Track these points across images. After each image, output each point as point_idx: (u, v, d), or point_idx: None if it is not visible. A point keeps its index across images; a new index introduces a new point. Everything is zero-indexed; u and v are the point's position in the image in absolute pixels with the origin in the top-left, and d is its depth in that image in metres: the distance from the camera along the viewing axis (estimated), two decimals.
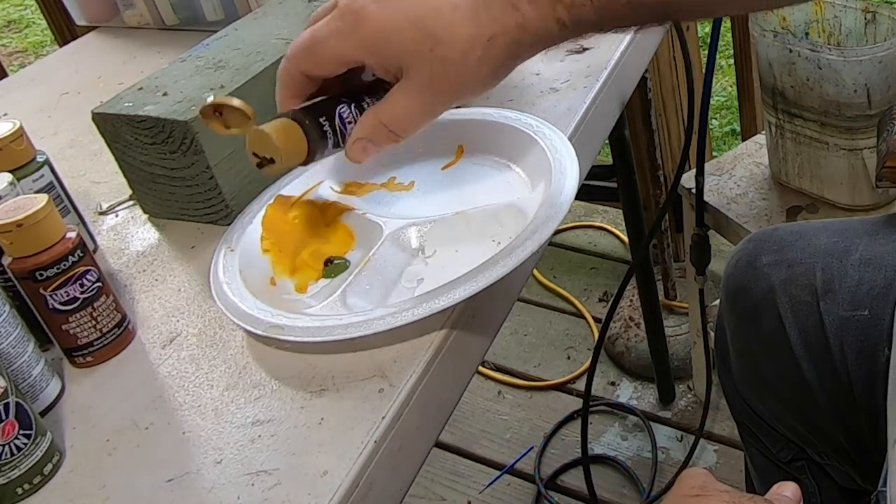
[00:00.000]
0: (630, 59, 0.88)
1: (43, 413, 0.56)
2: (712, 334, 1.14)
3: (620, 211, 1.42)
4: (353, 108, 0.57)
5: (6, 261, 0.55)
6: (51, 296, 0.55)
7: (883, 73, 1.02)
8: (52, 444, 0.52)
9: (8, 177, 0.60)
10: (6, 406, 0.48)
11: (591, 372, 1.26)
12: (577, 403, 1.57)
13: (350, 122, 0.56)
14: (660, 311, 1.45)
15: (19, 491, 0.50)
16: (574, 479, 1.45)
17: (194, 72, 0.73)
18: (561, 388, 1.62)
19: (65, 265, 0.55)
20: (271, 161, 0.54)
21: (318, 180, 0.70)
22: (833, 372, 0.75)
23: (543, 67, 0.85)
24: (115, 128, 0.70)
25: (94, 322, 0.58)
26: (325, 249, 0.64)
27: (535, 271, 1.84)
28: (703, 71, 1.13)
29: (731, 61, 1.77)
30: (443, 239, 0.63)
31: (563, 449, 1.50)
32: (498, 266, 0.54)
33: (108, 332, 0.59)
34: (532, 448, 1.51)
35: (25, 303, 0.56)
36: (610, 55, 0.85)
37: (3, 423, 0.48)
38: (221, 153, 0.68)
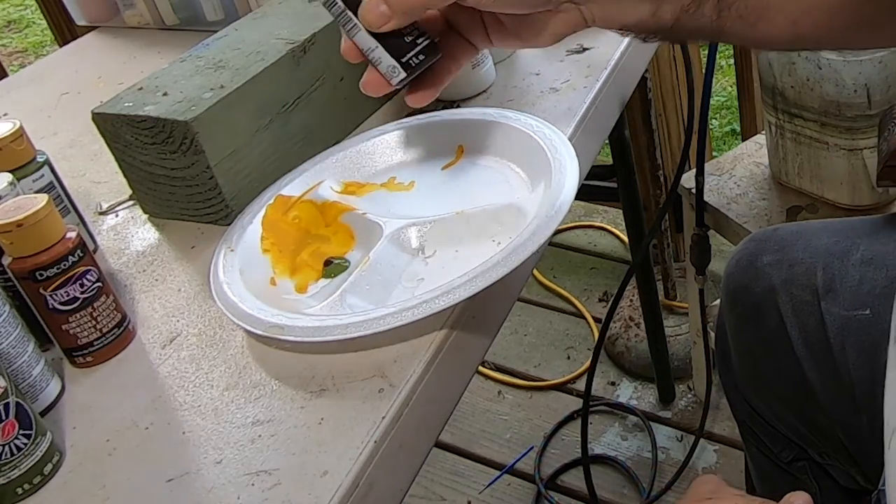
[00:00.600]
0: (630, 59, 0.88)
1: (43, 413, 0.56)
2: (712, 334, 1.15)
3: (620, 211, 1.42)
4: None
5: (6, 261, 0.55)
6: (51, 296, 0.55)
7: (883, 73, 1.02)
8: (52, 444, 0.52)
9: (8, 177, 0.61)
10: (6, 406, 0.48)
11: (591, 372, 1.26)
12: (577, 403, 1.57)
13: None
14: (660, 311, 1.45)
15: (19, 491, 0.50)
16: (574, 479, 1.45)
17: (194, 72, 0.73)
18: (561, 388, 1.62)
19: (65, 265, 0.55)
20: None
21: (318, 180, 0.70)
22: (834, 372, 0.75)
23: (543, 67, 0.85)
24: (115, 128, 0.70)
25: (94, 322, 0.58)
26: (325, 249, 0.64)
27: (535, 271, 1.84)
28: (703, 71, 1.13)
29: (731, 61, 1.77)
30: (443, 239, 0.63)
31: (563, 449, 1.50)
32: (498, 266, 0.54)
33: (108, 332, 0.59)
34: (532, 448, 1.51)
35: (25, 303, 0.56)
36: (610, 55, 0.85)
37: (3, 423, 0.48)
38: (221, 153, 0.68)
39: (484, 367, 1.67)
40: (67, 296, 0.56)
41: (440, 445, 1.53)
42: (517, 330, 1.75)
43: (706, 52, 1.14)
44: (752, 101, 1.60)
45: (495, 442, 1.54)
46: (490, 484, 1.47)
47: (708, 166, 1.28)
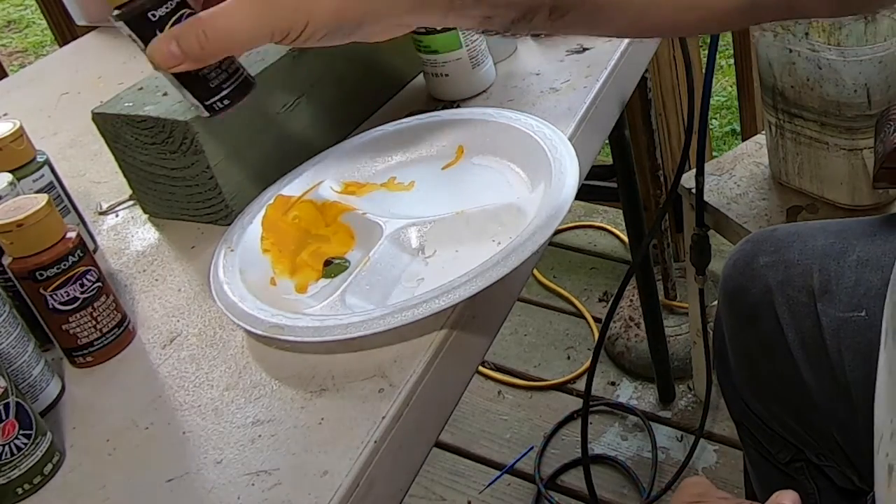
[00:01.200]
0: (630, 59, 0.88)
1: (43, 413, 0.56)
2: (712, 334, 1.14)
3: (620, 211, 1.42)
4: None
5: (6, 261, 0.55)
6: (51, 296, 0.55)
7: (883, 73, 1.02)
8: (52, 444, 0.52)
9: (8, 177, 0.61)
10: (6, 406, 0.48)
11: (591, 372, 1.26)
12: (577, 403, 1.57)
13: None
14: (660, 311, 1.45)
15: (19, 491, 0.50)
16: (574, 479, 1.45)
17: None
18: (561, 388, 1.62)
19: (65, 265, 0.55)
20: None
21: (318, 180, 0.70)
22: (830, 373, 0.75)
23: (543, 67, 0.85)
24: (115, 128, 0.70)
25: (94, 322, 0.58)
26: (325, 249, 0.64)
27: (535, 271, 1.84)
28: (703, 71, 1.13)
29: (731, 61, 1.77)
30: (443, 239, 0.63)
31: (563, 449, 1.50)
32: (498, 266, 0.54)
33: (108, 332, 0.59)
34: (532, 448, 1.51)
35: (25, 303, 0.56)
36: (610, 55, 0.85)
37: (3, 423, 0.48)
38: (221, 153, 0.68)
39: (484, 367, 1.67)
40: (67, 296, 0.56)
41: (440, 445, 1.53)
42: (517, 330, 1.75)
43: (706, 52, 1.14)
44: (752, 101, 1.60)
45: (495, 442, 1.54)
46: (490, 484, 1.47)
47: (708, 166, 1.28)
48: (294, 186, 0.69)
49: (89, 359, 0.59)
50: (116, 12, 0.51)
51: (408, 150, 0.73)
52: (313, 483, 0.47)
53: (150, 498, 0.49)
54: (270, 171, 0.71)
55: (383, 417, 0.50)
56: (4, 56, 3.64)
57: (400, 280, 0.60)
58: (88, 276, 0.57)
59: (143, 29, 0.50)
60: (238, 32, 0.46)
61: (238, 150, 0.69)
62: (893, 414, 0.52)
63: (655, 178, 1.56)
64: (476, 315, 0.59)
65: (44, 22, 2.72)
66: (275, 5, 0.45)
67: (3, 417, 0.48)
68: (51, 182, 0.67)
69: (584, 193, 1.39)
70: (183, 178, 0.69)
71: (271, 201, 0.67)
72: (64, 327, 0.57)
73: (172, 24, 0.50)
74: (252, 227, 0.66)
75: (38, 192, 0.64)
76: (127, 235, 0.74)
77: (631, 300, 1.66)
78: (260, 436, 0.51)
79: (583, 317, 1.75)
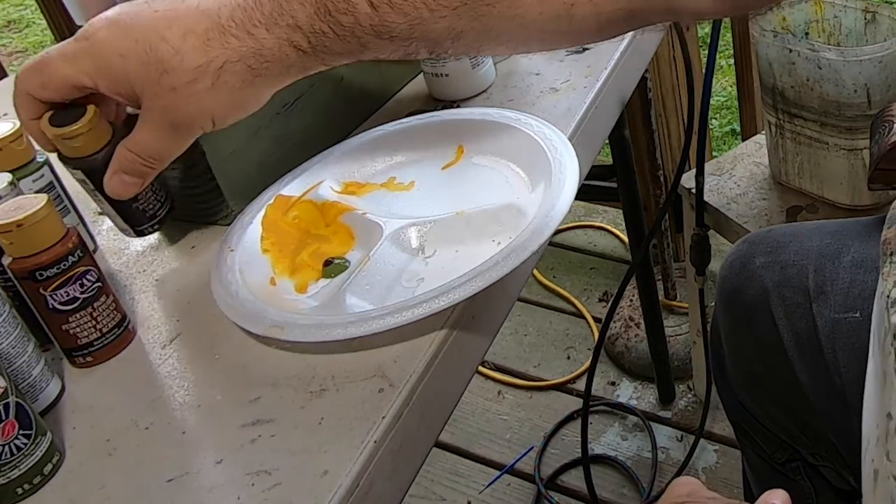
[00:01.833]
0: (630, 59, 0.88)
1: (43, 413, 0.56)
2: (709, 335, 1.14)
3: (620, 211, 1.42)
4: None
5: (6, 261, 0.55)
6: (51, 296, 0.55)
7: (883, 73, 1.02)
8: (52, 444, 0.52)
9: (8, 177, 0.60)
10: (6, 406, 0.48)
11: (591, 372, 1.26)
12: (577, 403, 1.57)
13: None
14: (660, 311, 1.45)
15: (19, 491, 0.50)
16: (574, 479, 1.45)
17: None
18: (561, 388, 1.62)
19: (65, 265, 0.55)
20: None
21: (318, 180, 0.70)
22: (825, 374, 0.75)
23: (543, 67, 0.85)
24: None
25: (94, 322, 0.58)
26: (325, 249, 0.64)
27: (535, 271, 1.84)
28: (703, 71, 1.13)
29: (731, 61, 1.77)
30: (443, 239, 0.63)
31: (563, 449, 1.50)
32: (498, 266, 0.54)
33: (108, 332, 0.59)
34: (532, 448, 1.51)
35: (25, 303, 0.56)
36: (610, 55, 0.85)
37: (3, 423, 0.48)
38: (221, 153, 0.68)
39: (484, 367, 1.67)
40: (67, 296, 0.56)
41: (440, 445, 1.53)
42: (517, 330, 1.75)
43: (706, 52, 1.14)
44: (752, 101, 1.60)
45: (495, 442, 1.54)
46: (490, 484, 1.47)
47: (708, 166, 1.28)
48: (294, 186, 0.69)
49: (89, 359, 0.59)
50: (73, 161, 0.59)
51: (408, 150, 0.73)
52: (313, 483, 0.47)
53: (150, 498, 0.49)
54: (270, 171, 0.71)
55: (383, 417, 0.50)
56: (4, 56, 3.64)
57: (400, 280, 0.60)
58: (88, 277, 0.57)
59: (97, 174, 0.59)
60: (159, 145, 0.55)
61: (238, 150, 0.69)
62: (878, 420, 0.52)
63: (655, 178, 1.56)
64: (476, 315, 0.59)
65: (44, 22, 2.72)
66: (175, 122, 0.53)
67: (3, 417, 0.48)
68: (51, 182, 0.67)
69: (584, 193, 1.39)
70: (183, 177, 0.69)
71: (271, 201, 0.67)
72: (64, 327, 0.57)
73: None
74: (252, 227, 0.66)
75: (38, 192, 0.64)
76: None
77: (631, 300, 1.66)
78: (260, 436, 0.51)
79: (583, 317, 1.75)
